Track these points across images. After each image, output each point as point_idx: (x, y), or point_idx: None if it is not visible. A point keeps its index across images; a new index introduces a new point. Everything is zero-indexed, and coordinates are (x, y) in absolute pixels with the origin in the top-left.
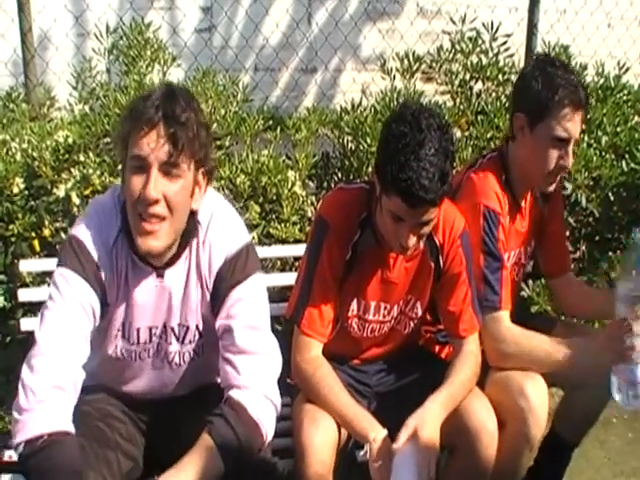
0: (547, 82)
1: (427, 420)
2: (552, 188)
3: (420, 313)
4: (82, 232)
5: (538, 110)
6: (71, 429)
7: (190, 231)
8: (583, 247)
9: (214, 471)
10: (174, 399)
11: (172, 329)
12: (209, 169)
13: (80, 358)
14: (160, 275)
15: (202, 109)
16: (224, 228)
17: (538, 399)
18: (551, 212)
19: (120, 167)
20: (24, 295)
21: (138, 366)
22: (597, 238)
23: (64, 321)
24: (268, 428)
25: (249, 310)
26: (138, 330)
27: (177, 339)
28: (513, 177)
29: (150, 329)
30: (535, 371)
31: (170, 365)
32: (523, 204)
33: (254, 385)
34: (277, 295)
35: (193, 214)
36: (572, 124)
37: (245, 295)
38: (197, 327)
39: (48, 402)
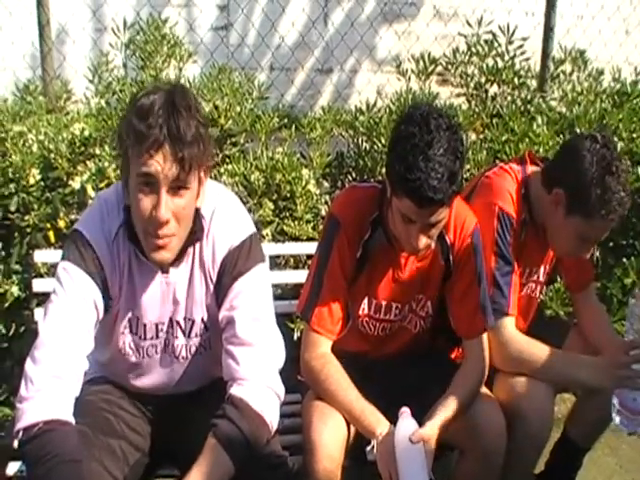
0: (603, 195)
1: (434, 435)
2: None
3: (430, 312)
4: (84, 226)
5: (583, 210)
6: (69, 419)
7: (194, 230)
8: (597, 253)
9: (225, 474)
10: (183, 394)
11: (178, 323)
12: (209, 165)
13: (83, 349)
14: (165, 271)
15: (200, 106)
16: (227, 221)
17: (543, 401)
18: None
19: (121, 175)
20: (38, 285)
21: (147, 364)
22: (611, 244)
23: (66, 314)
24: (273, 418)
25: (251, 302)
26: (145, 326)
27: (183, 333)
28: (533, 206)
29: (157, 325)
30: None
31: (178, 359)
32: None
33: (254, 376)
34: (290, 292)
35: (197, 210)
36: (603, 232)
37: (248, 287)
38: (203, 320)
39: (46, 391)
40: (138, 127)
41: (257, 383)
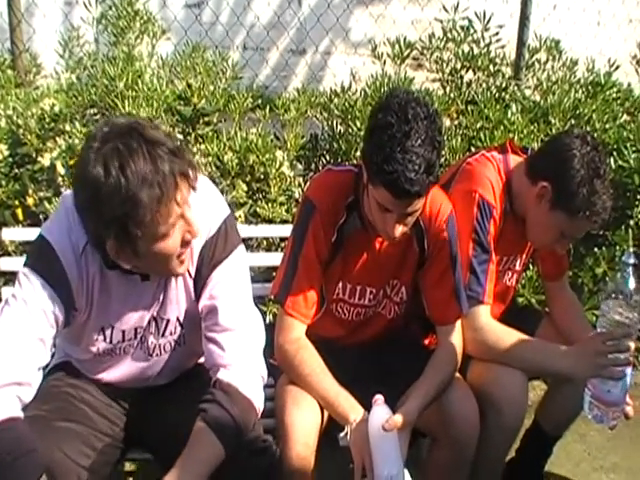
0: (590, 197)
1: (407, 422)
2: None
3: (405, 298)
4: (51, 234)
5: (568, 208)
6: (17, 414)
7: None
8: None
9: (216, 458)
10: (156, 386)
11: (155, 320)
12: None
13: (35, 362)
14: (145, 278)
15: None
16: (200, 212)
17: (516, 390)
18: None
19: (116, 253)
20: (6, 264)
21: (120, 359)
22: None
23: (22, 323)
24: (260, 402)
25: (231, 289)
26: (123, 331)
27: (157, 331)
28: (514, 196)
29: (135, 328)
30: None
31: (151, 356)
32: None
33: (239, 361)
34: (262, 275)
35: None
36: (582, 232)
37: (226, 275)
38: (177, 319)
39: None
40: (157, 191)
41: (243, 367)
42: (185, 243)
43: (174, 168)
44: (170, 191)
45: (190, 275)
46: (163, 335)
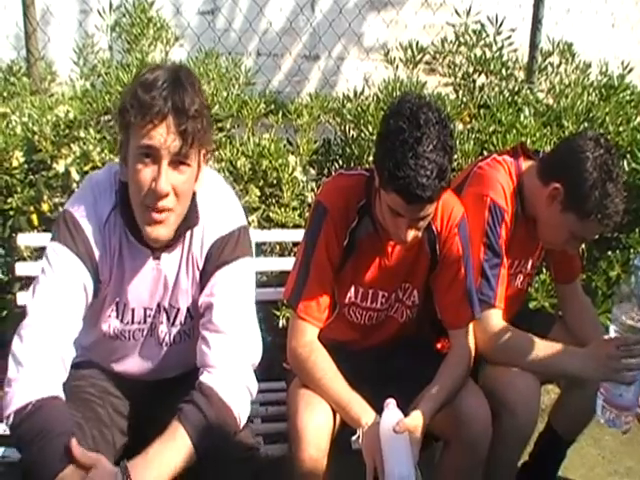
0: (602, 201)
1: (419, 425)
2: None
3: (417, 301)
4: (75, 208)
5: (579, 210)
6: (59, 394)
7: (190, 216)
8: (582, 245)
9: (185, 457)
10: (165, 380)
11: (164, 309)
12: (209, 150)
13: (71, 332)
14: (157, 257)
15: (203, 89)
16: (219, 210)
17: (528, 393)
18: None
19: (119, 149)
20: (21, 269)
21: (132, 345)
22: (596, 237)
23: (56, 295)
24: (241, 411)
25: (232, 291)
26: (133, 310)
27: (168, 320)
28: (525, 198)
29: (145, 310)
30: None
31: (161, 345)
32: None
33: (224, 364)
34: (275, 280)
35: (193, 196)
36: (593, 234)
37: (230, 276)
38: (188, 309)
39: (35, 372)
40: (143, 98)
41: (227, 372)
42: (154, 193)
43: (174, 100)
44: (153, 113)
45: (198, 268)
46: (174, 324)
